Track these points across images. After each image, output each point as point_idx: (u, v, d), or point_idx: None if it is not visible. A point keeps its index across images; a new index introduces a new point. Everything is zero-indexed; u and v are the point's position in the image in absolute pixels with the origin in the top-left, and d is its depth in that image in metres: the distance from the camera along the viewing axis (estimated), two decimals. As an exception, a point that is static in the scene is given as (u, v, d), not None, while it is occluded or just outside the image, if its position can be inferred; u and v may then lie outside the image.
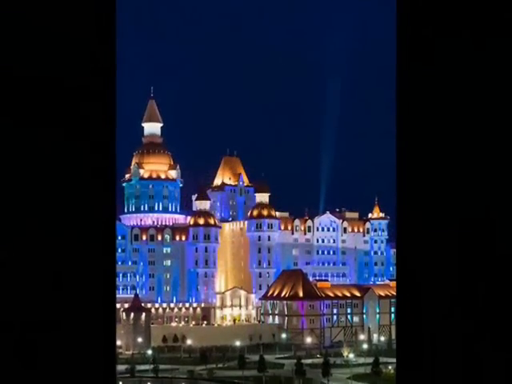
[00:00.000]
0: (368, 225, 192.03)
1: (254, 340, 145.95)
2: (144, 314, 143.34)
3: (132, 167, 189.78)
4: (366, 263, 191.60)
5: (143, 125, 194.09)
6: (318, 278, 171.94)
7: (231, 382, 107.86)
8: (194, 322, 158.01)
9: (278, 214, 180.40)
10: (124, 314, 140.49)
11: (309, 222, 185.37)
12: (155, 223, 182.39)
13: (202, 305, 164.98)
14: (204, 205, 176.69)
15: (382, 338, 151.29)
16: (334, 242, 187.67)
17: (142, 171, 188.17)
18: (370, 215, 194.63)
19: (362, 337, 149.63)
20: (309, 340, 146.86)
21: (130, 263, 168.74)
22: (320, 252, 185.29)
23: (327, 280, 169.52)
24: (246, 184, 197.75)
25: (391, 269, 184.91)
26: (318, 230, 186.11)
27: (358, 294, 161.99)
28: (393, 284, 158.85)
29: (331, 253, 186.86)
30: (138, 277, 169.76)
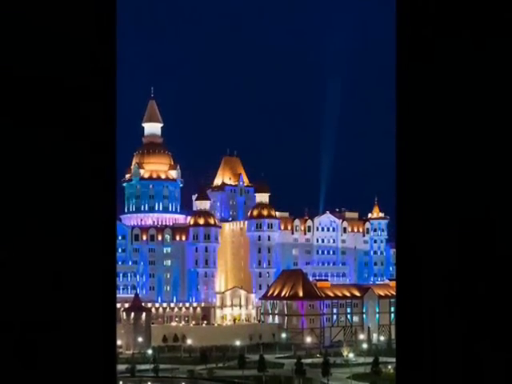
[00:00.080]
0: (368, 225, 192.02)
1: (253, 340, 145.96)
2: (144, 314, 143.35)
3: (132, 167, 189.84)
4: (365, 263, 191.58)
5: (143, 125, 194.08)
6: (317, 277, 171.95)
7: (231, 382, 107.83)
8: (194, 322, 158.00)
9: (278, 214, 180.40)
10: (124, 313, 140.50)
11: (309, 222, 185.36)
12: (155, 223, 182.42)
13: (202, 304, 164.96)
14: (204, 205, 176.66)
15: (382, 338, 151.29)
16: (333, 241, 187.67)
17: (142, 171, 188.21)
18: (369, 215, 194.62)
19: (361, 336, 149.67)
20: (309, 340, 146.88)
21: (130, 263, 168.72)
22: (320, 252, 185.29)
23: (327, 280, 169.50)
24: (246, 184, 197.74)
25: (391, 269, 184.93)
26: (317, 229, 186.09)
27: (357, 293, 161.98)
28: (392, 284, 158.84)
29: (331, 253, 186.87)
30: (138, 277, 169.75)
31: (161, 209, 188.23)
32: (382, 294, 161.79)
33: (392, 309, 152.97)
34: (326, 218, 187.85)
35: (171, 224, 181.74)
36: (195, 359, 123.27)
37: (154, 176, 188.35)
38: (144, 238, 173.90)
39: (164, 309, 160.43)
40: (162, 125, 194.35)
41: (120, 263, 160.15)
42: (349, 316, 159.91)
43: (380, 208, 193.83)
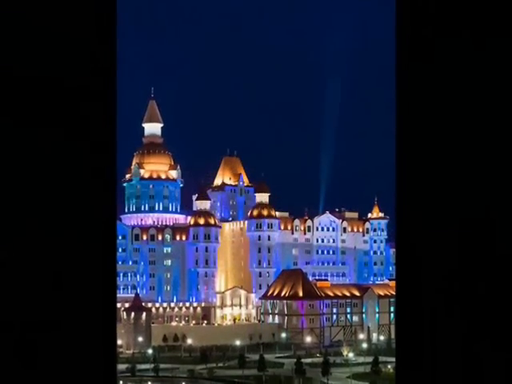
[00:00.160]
0: (367, 225, 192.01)
1: (254, 339, 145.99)
2: (144, 314, 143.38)
3: (132, 167, 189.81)
4: (365, 263, 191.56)
5: (144, 125, 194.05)
6: (317, 277, 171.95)
7: (231, 382, 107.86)
8: (194, 322, 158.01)
9: (277, 213, 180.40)
10: (124, 313, 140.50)
11: (308, 222, 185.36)
12: (156, 223, 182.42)
13: (203, 304, 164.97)
14: (204, 205, 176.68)
15: (382, 338, 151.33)
16: (333, 241, 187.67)
17: (142, 171, 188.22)
18: (369, 215, 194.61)
19: (361, 336, 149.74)
20: (308, 339, 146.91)
21: (130, 263, 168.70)
22: (320, 252, 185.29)
23: (327, 279, 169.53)
24: (246, 184, 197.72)
25: (391, 268, 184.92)
26: (317, 229, 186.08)
27: (357, 293, 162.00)
28: (392, 284, 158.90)
29: (331, 252, 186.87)
30: (138, 276, 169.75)
31: (161, 209, 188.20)
32: (381, 293, 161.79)
33: (392, 308, 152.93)
34: (326, 218, 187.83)
35: (171, 224, 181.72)
36: (195, 359, 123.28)
37: (154, 176, 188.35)
38: (144, 237, 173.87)
39: (164, 308, 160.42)
40: (162, 125, 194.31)
41: (120, 263, 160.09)
42: (348, 316, 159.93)
43: (380, 208, 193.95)
